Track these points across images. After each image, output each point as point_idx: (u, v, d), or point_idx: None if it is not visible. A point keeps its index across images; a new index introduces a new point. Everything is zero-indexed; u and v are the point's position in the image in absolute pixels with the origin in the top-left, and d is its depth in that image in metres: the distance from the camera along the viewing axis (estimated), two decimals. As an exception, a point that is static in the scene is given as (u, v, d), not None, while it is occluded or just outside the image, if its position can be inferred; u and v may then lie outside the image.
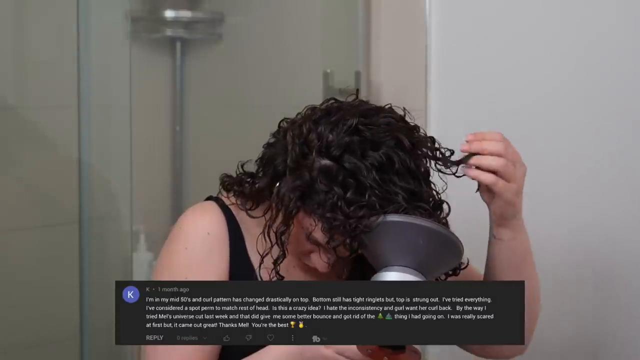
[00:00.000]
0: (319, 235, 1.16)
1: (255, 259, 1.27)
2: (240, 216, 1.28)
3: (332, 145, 1.15)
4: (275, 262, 1.20)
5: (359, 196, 1.12)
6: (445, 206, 1.21)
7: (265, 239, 1.20)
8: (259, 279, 1.27)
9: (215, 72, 2.54)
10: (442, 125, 1.93)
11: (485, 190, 1.21)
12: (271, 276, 1.22)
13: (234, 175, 1.30)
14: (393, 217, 1.11)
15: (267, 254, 1.21)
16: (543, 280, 1.80)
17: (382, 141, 1.15)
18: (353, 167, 1.13)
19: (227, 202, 1.29)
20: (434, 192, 1.20)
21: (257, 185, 1.23)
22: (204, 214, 1.27)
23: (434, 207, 1.18)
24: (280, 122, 1.29)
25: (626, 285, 1.75)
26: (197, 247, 1.24)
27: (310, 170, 1.15)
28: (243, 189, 1.26)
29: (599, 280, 1.78)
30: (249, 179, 1.26)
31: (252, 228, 1.27)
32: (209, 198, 1.33)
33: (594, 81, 1.76)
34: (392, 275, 1.13)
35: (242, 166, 1.29)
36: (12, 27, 1.91)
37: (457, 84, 1.97)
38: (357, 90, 1.28)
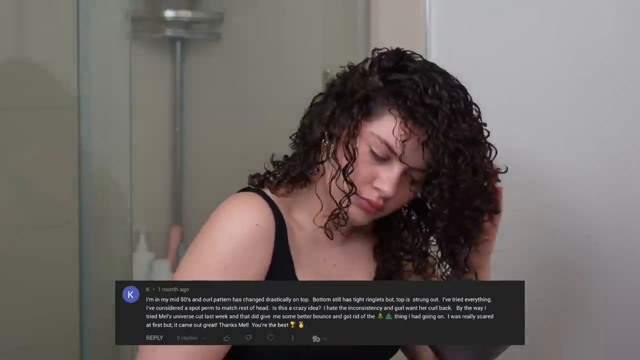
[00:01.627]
0: (394, 136, 1.20)
1: (296, 255, 1.27)
2: (284, 210, 1.28)
3: (382, 60, 1.27)
4: (344, 171, 1.22)
5: (421, 82, 1.22)
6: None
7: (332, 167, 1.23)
8: (296, 277, 1.26)
9: (215, 72, 2.54)
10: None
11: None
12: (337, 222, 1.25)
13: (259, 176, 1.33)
14: None
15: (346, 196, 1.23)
16: (540, 278, 1.81)
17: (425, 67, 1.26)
18: (412, 68, 1.25)
19: (269, 194, 1.28)
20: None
21: (308, 141, 1.28)
22: (253, 204, 1.25)
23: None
24: (315, 98, 1.34)
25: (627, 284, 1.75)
26: (243, 237, 1.21)
27: (369, 83, 1.24)
28: (290, 170, 1.29)
29: (598, 279, 1.78)
30: (289, 161, 1.30)
31: (293, 223, 1.28)
32: (248, 189, 1.31)
33: (594, 81, 1.76)
34: None
35: (271, 160, 1.34)
36: (12, 27, 1.91)
37: (457, 84, 1.96)
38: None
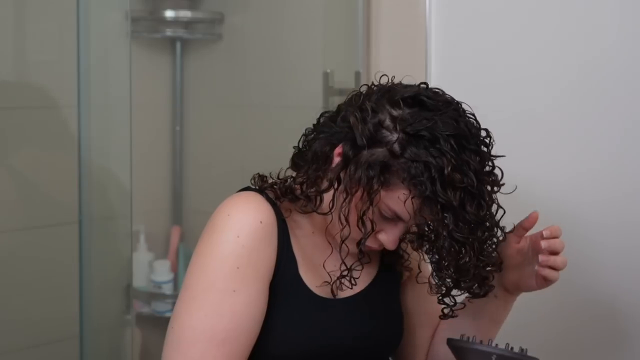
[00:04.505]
0: (405, 208, 1.19)
1: (298, 254, 1.28)
2: (284, 210, 1.28)
3: (405, 116, 1.20)
4: (360, 243, 1.23)
5: (440, 161, 1.17)
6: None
7: (340, 223, 1.22)
8: (299, 275, 1.27)
9: (215, 72, 2.54)
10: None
11: (541, 280, 1.30)
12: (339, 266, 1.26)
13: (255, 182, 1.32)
14: (480, 347, 1.18)
15: (342, 241, 1.24)
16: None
17: (445, 111, 1.21)
18: (431, 137, 1.18)
19: (270, 195, 1.29)
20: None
21: (321, 180, 1.25)
22: (254, 202, 1.26)
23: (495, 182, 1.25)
24: (320, 117, 1.32)
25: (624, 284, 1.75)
26: (250, 235, 1.21)
27: (387, 144, 1.19)
28: (300, 194, 1.27)
29: (597, 279, 1.78)
30: (302, 181, 1.27)
31: (293, 223, 1.29)
32: (247, 189, 1.32)
33: (593, 79, 1.76)
34: None
35: (277, 175, 1.31)
36: (12, 27, 1.91)
37: (457, 84, 1.96)
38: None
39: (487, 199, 1.21)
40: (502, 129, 1.88)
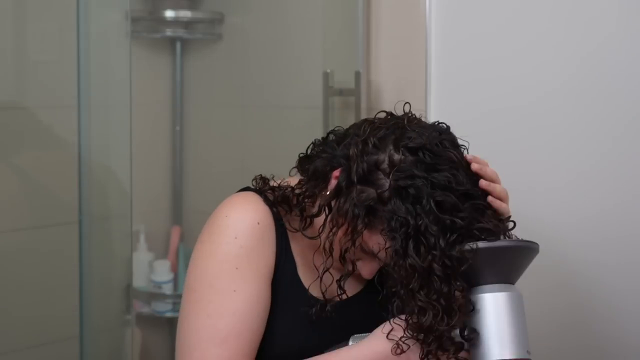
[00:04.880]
0: (383, 253, 1.18)
1: (297, 256, 1.29)
2: (283, 212, 1.28)
3: (402, 166, 1.17)
4: (340, 280, 1.23)
5: (429, 220, 1.14)
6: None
7: (323, 253, 1.21)
8: (298, 275, 1.28)
9: (215, 72, 2.54)
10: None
11: None
12: (324, 291, 1.25)
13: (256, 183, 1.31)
14: (484, 244, 1.15)
15: (325, 270, 1.23)
16: (538, 279, 1.80)
17: (443, 168, 1.17)
18: (422, 191, 1.15)
19: (270, 197, 1.29)
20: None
21: (312, 202, 1.24)
22: (252, 203, 1.26)
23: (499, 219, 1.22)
24: (329, 133, 1.31)
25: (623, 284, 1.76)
26: (248, 236, 1.22)
27: (378, 188, 1.17)
28: (294, 207, 1.26)
29: (595, 279, 1.78)
30: (297, 194, 1.26)
31: (292, 223, 1.28)
32: (246, 189, 1.32)
33: (593, 83, 1.76)
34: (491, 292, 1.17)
35: (280, 182, 1.30)
36: (12, 27, 1.91)
37: (457, 84, 1.96)
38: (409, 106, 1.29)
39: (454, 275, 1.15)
40: (502, 128, 1.88)
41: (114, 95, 1.86)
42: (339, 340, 1.26)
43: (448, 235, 1.14)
